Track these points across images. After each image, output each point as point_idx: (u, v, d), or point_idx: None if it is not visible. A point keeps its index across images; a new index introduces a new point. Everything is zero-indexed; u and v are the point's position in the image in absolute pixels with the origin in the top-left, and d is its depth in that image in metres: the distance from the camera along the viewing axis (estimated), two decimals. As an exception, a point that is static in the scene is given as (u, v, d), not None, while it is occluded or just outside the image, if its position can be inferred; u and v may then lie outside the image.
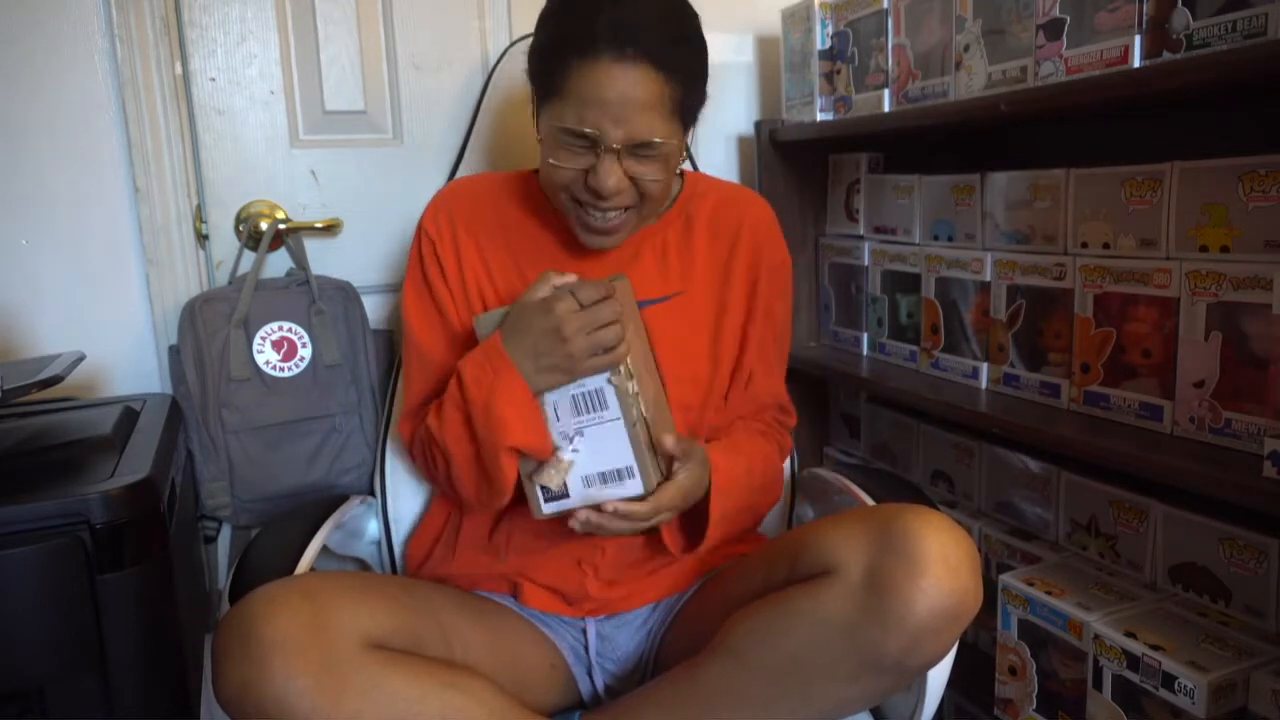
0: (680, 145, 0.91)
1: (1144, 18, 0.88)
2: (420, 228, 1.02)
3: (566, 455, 0.86)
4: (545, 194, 0.97)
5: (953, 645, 0.81)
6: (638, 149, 0.86)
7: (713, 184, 1.08)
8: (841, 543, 0.79)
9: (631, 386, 0.83)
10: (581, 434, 0.86)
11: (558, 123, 0.86)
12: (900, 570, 0.75)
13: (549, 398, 0.85)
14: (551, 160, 0.89)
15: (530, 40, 0.92)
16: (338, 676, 0.72)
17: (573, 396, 0.85)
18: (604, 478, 0.86)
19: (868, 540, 0.78)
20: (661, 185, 0.90)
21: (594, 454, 0.86)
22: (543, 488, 0.87)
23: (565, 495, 0.87)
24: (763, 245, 1.04)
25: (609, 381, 0.84)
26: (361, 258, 1.32)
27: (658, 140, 0.86)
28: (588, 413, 0.86)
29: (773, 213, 1.07)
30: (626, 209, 0.91)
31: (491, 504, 0.90)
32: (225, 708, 0.73)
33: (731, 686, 0.83)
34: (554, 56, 0.86)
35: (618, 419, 0.85)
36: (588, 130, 0.84)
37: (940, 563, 0.75)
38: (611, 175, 0.86)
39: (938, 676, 0.89)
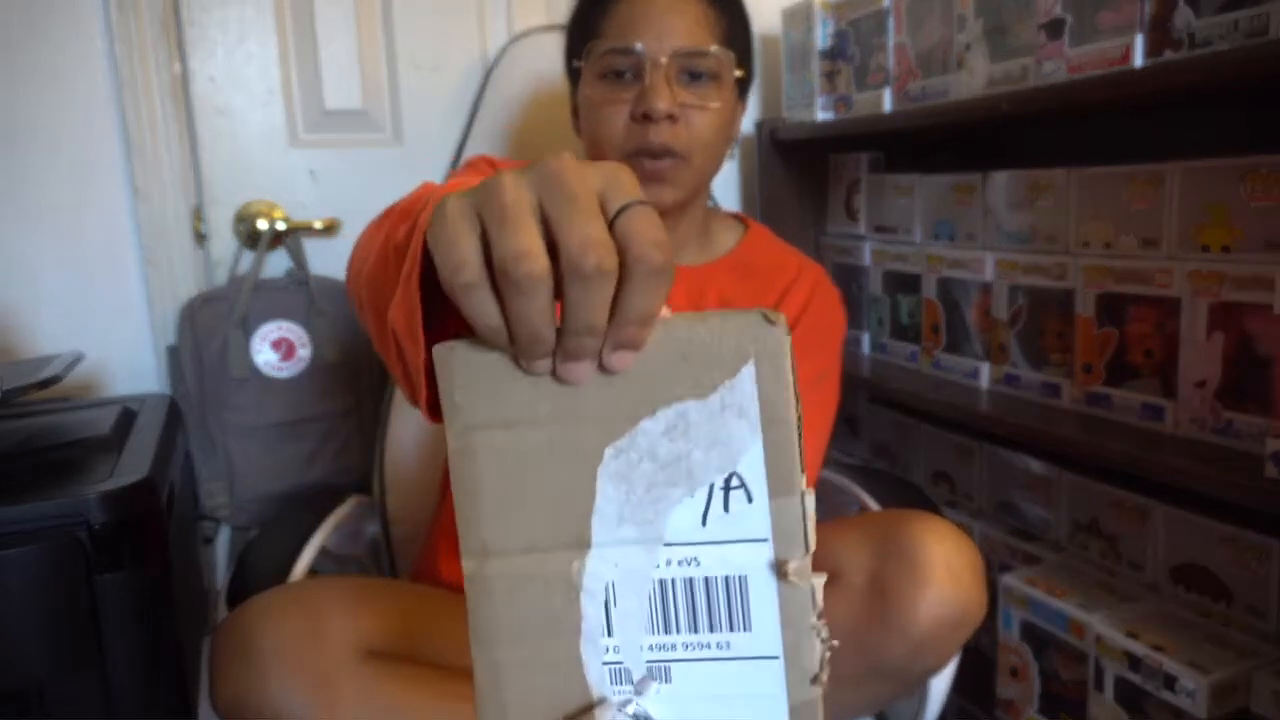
0: (731, 81, 0.87)
1: (1146, 17, 0.87)
2: (476, 158, 0.92)
3: (612, 719, 0.38)
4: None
5: (956, 653, 0.80)
6: (686, 65, 0.83)
7: (775, 240, 1.04)
8: (845, 549, 0.79)
9: (815, 585, 0.37)
10: (667, 674, 0.38)
11: (603, 47, 0.83)
12: (904, 578, 0.75)
13: (601, 560, 0.37)
14: (597, 104, 0.85)
15: (527, 38, 0.92)
16: (334, 687, 0.72)
17: (658, 579, 0.37)
18: None
19: (871, 547, 0.78)
20: (712, 128, 0.86)
21: None
22: None
23: None
24: (812, 300, 0.95)
25: (770, 565, 0.36)
26: (361, 257, 1.32)
27: (709, 49, 0.83)
28: (686, 623, 0.37)
29: (832, 283, 1.01)
30: (676, 157, 0.85)
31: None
32: (222, 718, 0.73)
33: None
34: (594, 3, 0.86)
35: (775, 671, 0.37)
36: (635, 45, 0.82)
37: (944, 571, 0.75)
38: (661, 93, 0.82)
39: (941, 682, 0.89)
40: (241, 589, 0.88)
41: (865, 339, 1.38)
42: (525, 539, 0.37)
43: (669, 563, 0.37)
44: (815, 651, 0.37)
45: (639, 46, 0.81)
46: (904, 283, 1.28)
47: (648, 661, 0.37)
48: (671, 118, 0.82)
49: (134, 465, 0.88)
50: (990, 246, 1.15)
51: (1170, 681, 0.88)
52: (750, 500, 0.36)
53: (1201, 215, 0.90)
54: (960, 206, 1.20)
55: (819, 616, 0.37)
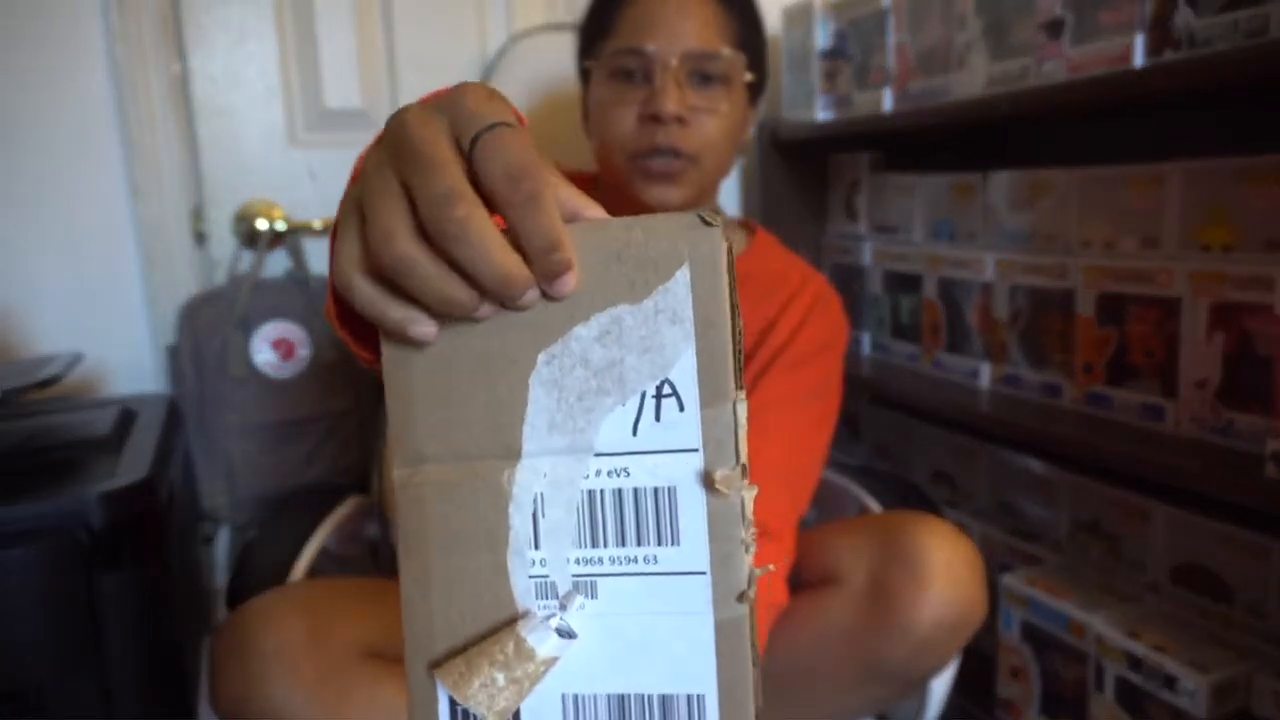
0: (742, 86, 0.87)
1: (1146, 17, 0.87)
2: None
3: (534, 634, 0.36)
4: (602, 168, 0.91)
5: (957, 654, 0.80)
6: (697, 67, 0.83)
7: (780, 248, 1.03)
8: (846, 552, 0.79)
9: (745, 497, 0.35)
10: (593, 589, 0.37)
11: (613, 47, 0.83)
12: (904, 580, 0.75)
13: (529, 463, 0.36)
14: (607, 104, 0.84)
15: (526, 38, 0.92)
16: (335, 688, 0.72)
17: (586, 490, 0.36)
18: (622, 713, 0.37)
19: (872, 550, 0.78)
20: (721, 132, 0.85)
21: (609, 648, 0.37)
22: (459, 709, 0.37)
23: None
24: (814, 309, 0.95)
25: (698, 476, 0.35)
26: (361, 257, 1.32)
27: (720, 52, 0.82)
28: (614, 537, 0.37)
29: (835, 293, 1.00)
30: (684, 159, 0.84)
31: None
32: (222, 718, 0.73)
33: None
34: (607, 3, 0.86)
35: (701, 587, 0.36)
36: (646, 47, 0.81)
37: (944, 573, 0.75)
38: (670, 95, 0.81)
39: (941, 683, 0.89)
40: (241, 589, 0.88)
41: (865, 339, 1.38)
42: (456, 447, 0.37)
43: (599, 473, 0.36)
44: (744, 567, 0.36)
45: (650, 47, 0.81)
46: (904, 283, 1.28)
47: (574, 575, 0.37)
48: (680, 120, 0.82)
49: (134, 465, 0.88)
50: (990, 246, 1.15)
51: (1171, 682, 0.88)
52: (682, 409, 0.35)
53: (1202, 215, 0.90)
54: (960, 206, 1.20)
55: (749, 532, 0.36)
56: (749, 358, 0.89)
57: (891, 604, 0.75)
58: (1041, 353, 1.07)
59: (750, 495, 0.36)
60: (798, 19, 1.39)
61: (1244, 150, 0.86)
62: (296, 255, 1.25)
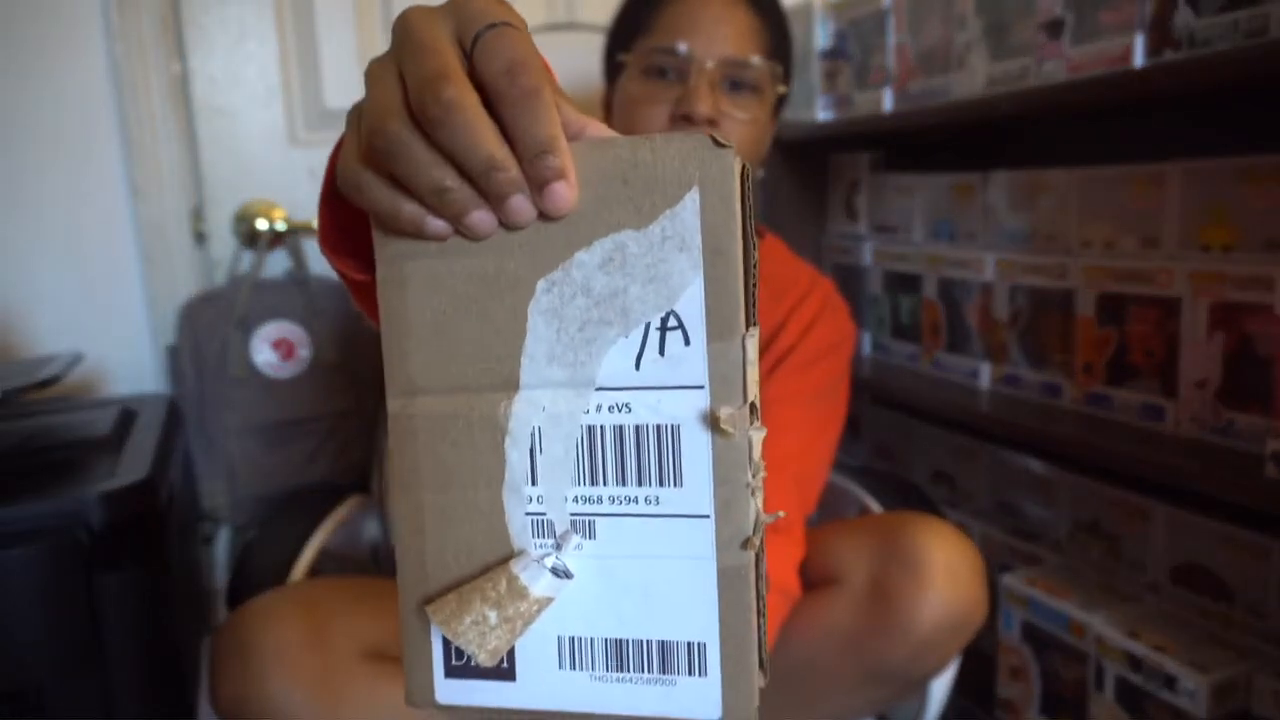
0: (772, 96, 0.87)
1: (1146, 17, 0.87)
2: None
3: (528, 572, 0.35)
4: None
5: (957, 655, 0.81)
6: (731, 74, 0.83)
7: (788, 253, 1.03)
8: (847, 553, 0.79)
9: (753, 438, 0.33)
10: (591, 529, 0.35)
11: (650, 44, 0.83)
12: (905, 581, 0.75)
13: (526, 395, 0.35)
14: (638, 100, 0.84)
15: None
16: (334, 688, 0.72)
17: (586, 425, 0.35)
18: (620, 658, 0.35)
19: (873, 550, 0.78)
20: (749, 140, 0.86)
21: (607, 591, 0.35)
22: (452, 648, 0.36)
23: (506, 675, 0.36)
24: (822, 313, 0.95)
25: (703, 415, 0.33)
26: (361, 257, 1.32)
27: (753, 60, 0.82)
28: (614, 475, 0.35)
29: (842, 298, 1.00)
30: None
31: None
32: (222, 718, 0.73)
33: None
34: (646, 0, 0.86)
35: (704, 531, 0.34)
36: (680, 47, 0.81)
37: (945, 574, 0.75)
38: (704, 97, 0.81)
39: (941, 683, 0.89)
40: (241, 589, 0.88)
41: (866, 339, 1.38)
42: (452, 378, 0.36)
43: (599, 408, 0.34)
44: (750, 512, 0.33)
45: (687, 49, 0.81)
46: (904, 283, 1.28)
47: (571, 514, 0.35)
48: (711, 123, 0.82)
49: (134, 465, 0.88)
50: (990, 246, 1.15)
51: (1171, 682, 0.88)
52: (687, 343, 0.33)
53: (1202, 215, 0.90)
54: (960, 206, 1.20)
55: (756, 476, 0.33)
56: (759, 357, 0.89)
57: (892, 604, 0.75)
58: (1041, 353, 1.07)
59: (759, 436, 0.33)
60: (798, 19, 1.39)
61: (1244, 150, 0.86)
62: (296, 255, 1.25)
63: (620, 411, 0.34)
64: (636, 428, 0.34)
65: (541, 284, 0.34)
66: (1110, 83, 0.89)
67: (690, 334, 0.33)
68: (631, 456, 0.34)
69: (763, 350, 0.89)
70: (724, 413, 0.33)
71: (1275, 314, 0.82)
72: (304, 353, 1.19)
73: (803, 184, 1.47)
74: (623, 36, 0.89)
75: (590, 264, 0.33)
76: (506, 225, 0.32)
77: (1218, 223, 0.89)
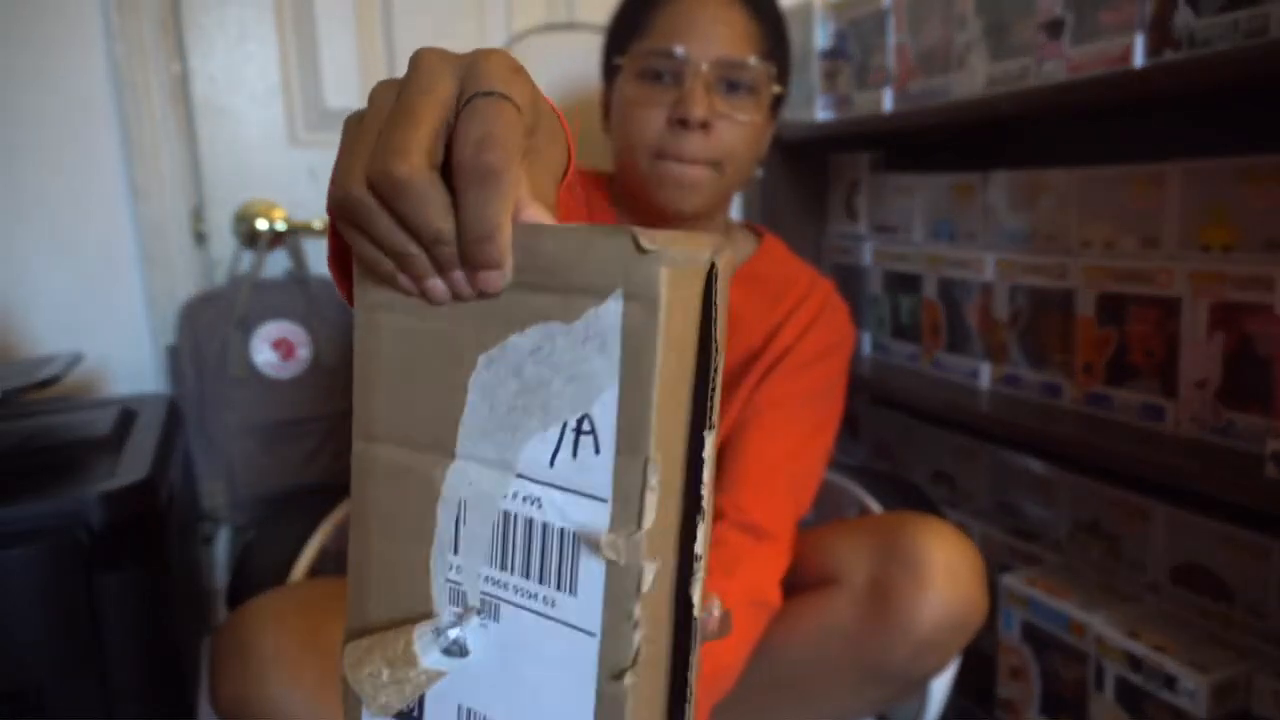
0: (769, 97, 0.87)
1: (1146, 17, 0.87)
2: None
3: (422, 641, 0.35)
4: (620, 168, 0.90)
5: (957, 655, 0.81)
6: (726, 75, 0.83)
7: (788, 253, 1.03)
8: (846, 553, 0.79)
9: (645, 569, 0.31)
10: (496, 612, 0.35)
11: (645, 47, 0.83)
12: (904, 581, 0.75)
13: (459, 474, 0.35)
14: (634, 103, 0.84)
15: (526, 38, 0.92)
16: (334, 688, 0.72)
17: (503, 510, 0.34)
18: None
19: (872, 550, 0.78)
20: (745, 141, 0.85)
21: (503, 676, 0.35)
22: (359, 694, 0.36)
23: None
24: (820, 315, 0.95)
25: (600, 530, 0.32)
26: (361, 257, 1.32)
27: (750, 61, 0.82)
28: (521, 566, 0.34)
29: (841, 299, 1.00)
30: (706, 165, 0.84)
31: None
32: (221, 718, 0.73)
33: (733, 694, 0.82)
34: (641, 2, 0.86)
35: (589, 649, 0.33)
36: (676, 49, 0.81)
37: (945, 574, 0.75)
38: (699, 100, 0.81)
39: (941, 683, 0.89)
40: (242, 590, 0.88)
41: (865, 339, 1.38)
42: (405, 431, 0.36)
43: (516, 496, 0.33)
44: (630, 645, 0.31)
45: (682, 51, 0.81)
46: (904, 283, 1.28)
47: (482, 592, 0.35)
48: (705, 125, 0.82)
49: (134, 465, 0.88)
50: (990, 246, 1.15)
51: (1171, 682, 0.88)
52: (597, 451, 0.31)
53: (1202, 215, 0.90)
54: (960, 206, 1.20)
55: (642, 607, 0.31)
56: (755, 358, 0.89)
57: (892, 605, 0.75)
58: (1041, 353, 1.07)
59: (651, 569, 0.31)
60: (797, 19, 1.39)
61: (1244, 150, 0.86)
62: (296, 255, 1.25)
63: (533, 505, 0.33)
64: (544, 525, 0.33)
65: (483, 358, 0.33)
66: (1110, 83, 0.89)
67: (601, 442, 0.31)
68: (537, 552, 0.33)
69: (759, 352, 0.90)
70: (606, 538, 0.31)
71: (1275, 314, 0.82)
72: (304, 353, 1.19)
73: (803, 184, 1.47)
74: (619, 39, 0.89)
75: (523, 348, 0.33)
76: (453, 295, 0.33)
77: (1218, 223, 0.89)
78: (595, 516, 0.32)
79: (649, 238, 0.29)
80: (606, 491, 0.31)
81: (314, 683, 0.71)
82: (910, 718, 0.93)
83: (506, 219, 0.31)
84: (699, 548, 0.32)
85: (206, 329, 1.15)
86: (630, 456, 0.31)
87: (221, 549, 1.27)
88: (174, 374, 1.18)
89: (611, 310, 0.30)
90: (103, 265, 1.20)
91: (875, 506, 1.06)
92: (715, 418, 0.33)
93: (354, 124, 0.32)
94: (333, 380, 1.20)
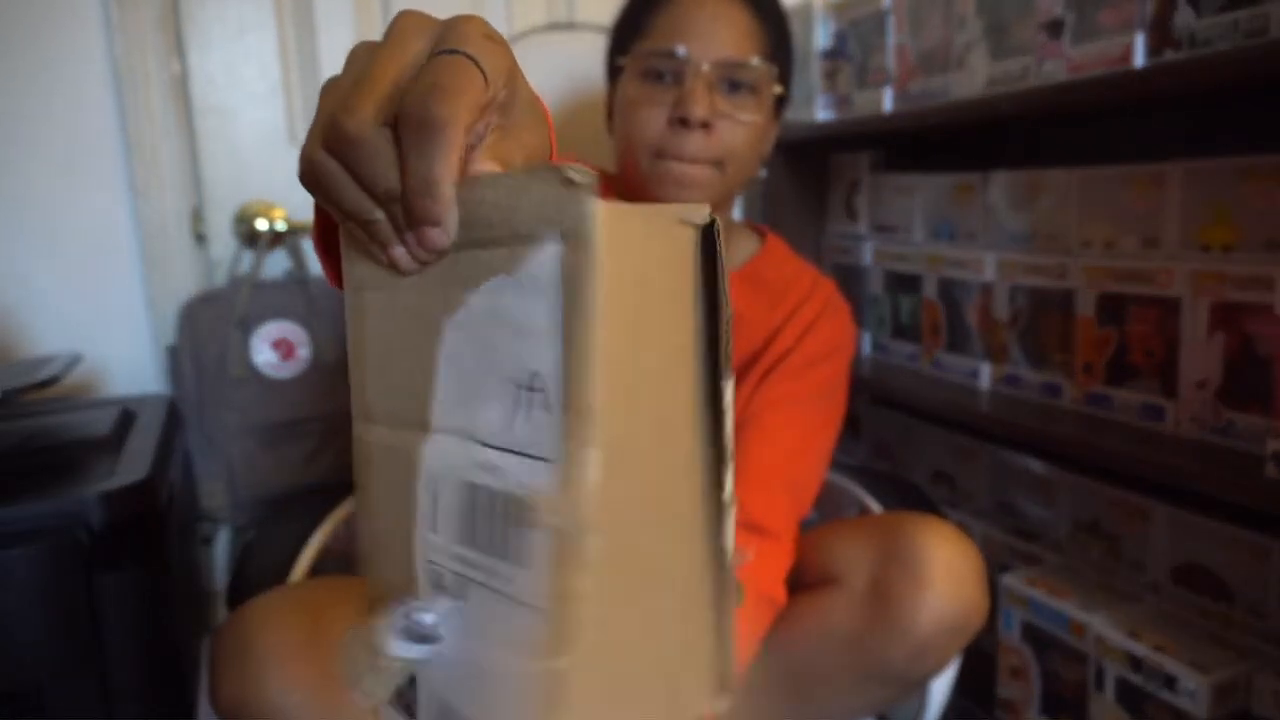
0: (771, 97, 0.87)
1: (1146, 17, 0.87)
2: None
3: (392, 628, 0.34)
4: (623, 168, 0.90)
5: (957, 656, 0.80)
6: (728, 75, 0.82)
7: (790, 254, 1.02)
8: (846, 553, 0.79)
9: (589, 537, 0.28)
10: (465, 592, 0.32)
11: (647, 48, 0.83)
12: (904, 581, 0.75)
13: (433, 466, 0.33)
14: (635, 103, 0.84)
15: (526, 38, 0.92)
16: (334, 690, 0.72)
17: (469, 482, 0.31)
18: None
19: (872, 551, 0.78)
20: (747, 140, 0.85)
21: (462, 664, 0.33)
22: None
23: (410, 714, 0.37)
24: (822, 315, 0.94)
25: (531, 510, 0.29)
26: (361, 257, 1.32)
27: (752, 61, 0.82)
28: (485, 541, 0.31)
29: (843, 300, 0.99)
30: (707, 164, 0.83)
31: None
32: (221, 718, 0.73)
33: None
34: (643, 3, 0.86)
35: (538, 628, 0.29)
36: (677, 49, 0.81)
37: (945, 574, 0.75)
38: (700, 99, 0.80)
39: (942, 683, 0.89)
40: (242, 589, 0.88)
41: (866, 339, 1.38)
42: (393, 410, 0.35)
43: (479, 465, 0.30)
44: (573, 623, 0.28)
45: (683, 51, 0.81)
46: (904, 283, 1.28)
47: (454, 572, 0.31)
48: (706, 125, 0.82)
49: (134, 466, 0.88)
50: (990, 246, 1.15)
51: (1171, 682, 0.88)
52: (548, 410, 0.28)
53: (1202, 215, 0.90)
54: (960, 206, 1.20)
55: (588, 579, 0.28)
56: (755, 359, 0.89)
57: (892, 605, 0.75)
58: (1041, 353, 1.07)
59: (596, 543, 0.27)
60: (798, 19, 1.39)
61: (1244, 150, 0.86)
62: (296, 255, 1.25)
63: (493, 473, 0.30)
64: (504, 495, 0.29)
65: (448, 325, 0.31)
66: (1110, 83, 0.89)
67: (550, 399, 0.28)
68: (499, 525, 0.30)
69: (760, 352, 0.90)
70: (545, 501, 0.28)
71: (1275, 314, 0.82)
72: (304, 353, 1.19)
73: (803, 184, 1.47)
74: (622, 40, 0.89)
75: (479, 309, 0.30)
76: (413, 260, 0.31)
77: (1218, 223, 0.89)
78: (543, 480, 0.28)
79: (579, 172, 0.27)
80: (556, 452, 0.28)
81: (314, 683, 0.71)
82: (910, 718, 0.93)
83: (446, 172, 0.29)
84: (726, 495, 0.30)
85: (206, 329, 1.15)
86: (573, 412, 0.28)
87: (221, 549, 1.27)
88: (174, 374, 1.18)
89: (549, 254, 0.28)
90: (103, 266, 1.20)
91: (875, 506, 1.05)
92: (727, 368, 0.31)
93: (329, 87, 0.32)
94: (333, 380, 1.20)
